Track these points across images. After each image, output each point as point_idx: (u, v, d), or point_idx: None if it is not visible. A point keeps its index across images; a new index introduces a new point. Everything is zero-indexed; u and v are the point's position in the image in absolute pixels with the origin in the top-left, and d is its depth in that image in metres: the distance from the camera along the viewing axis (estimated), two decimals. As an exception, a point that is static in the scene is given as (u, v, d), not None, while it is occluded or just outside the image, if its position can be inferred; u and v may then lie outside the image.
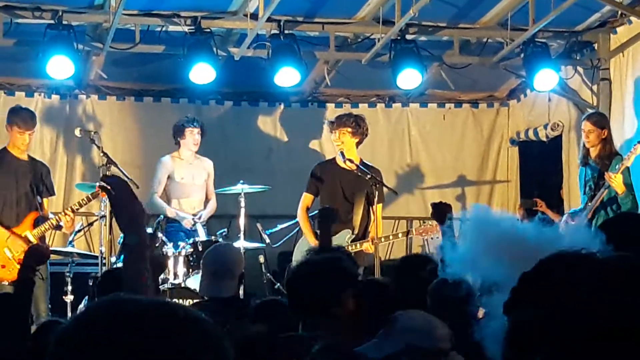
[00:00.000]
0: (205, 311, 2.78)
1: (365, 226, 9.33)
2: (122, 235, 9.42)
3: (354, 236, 9.22)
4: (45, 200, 9.27)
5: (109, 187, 3.20)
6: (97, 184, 8.88)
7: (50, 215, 9.10)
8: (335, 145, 9.53)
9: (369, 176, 9.10)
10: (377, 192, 9.05)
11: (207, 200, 10.45)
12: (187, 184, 10.31)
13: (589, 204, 8.71)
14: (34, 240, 8.82)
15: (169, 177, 10.33)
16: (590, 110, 10.20)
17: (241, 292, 7.14)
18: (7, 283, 8.66)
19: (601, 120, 9.05)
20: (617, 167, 8.58)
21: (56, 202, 10.27)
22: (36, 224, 8.98)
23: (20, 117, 9.02)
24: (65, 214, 8.95)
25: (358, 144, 9.54)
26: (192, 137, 10.27)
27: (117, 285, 6.35)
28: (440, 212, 6.59)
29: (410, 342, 3.85)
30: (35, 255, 5.66)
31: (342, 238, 9.12)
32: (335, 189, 9.41)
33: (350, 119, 9.57)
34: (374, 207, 9.12)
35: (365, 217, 9.34)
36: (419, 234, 9.52)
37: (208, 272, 6.45)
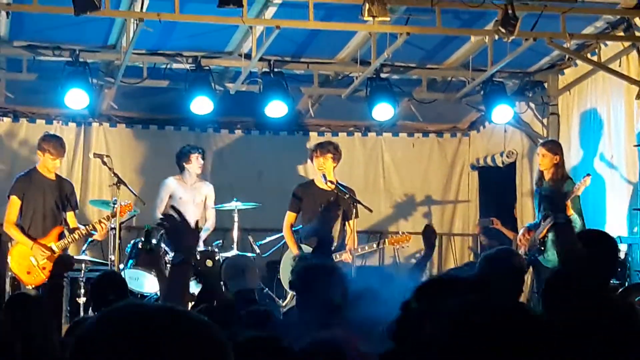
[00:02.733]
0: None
1: (343, 239, 9.24)
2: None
3: (333, 248, 9.12)
4: (69, 214, 9.15)
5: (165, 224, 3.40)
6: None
7: (80, 227, 9.01)
8: (317, 169, 9.46)
9: (347, 195, 9.09)
10: (354, 209, 9.04)
11: (206, 220, 10.40)
12: (186, 203, 10.14)
13: (543, 223, 8.63)
14: (57, 251, 8.76)
15: (170, 196, 10.25)
16: (541, 140, 10.22)
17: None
18: (31, 287, 8.65)
19: (554, 147, 8.94)
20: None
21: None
22: (60, 237, 8.93)
23: (52, 146, 8.93)
24: (100, 223, 8.89)
25: (335, 166, 9.50)
26: (197, 162, 10.21)
27: (110, 287, 6.35)
28: (430, 236, 6.40)
29: None
30: (63, 263, 5.73)
31: None
32: (315, 207, 9.13)
33: (331, 146, 9.50)
34: (351, 222, 9.10)
35: (342, 231, 9.26)
36: (391, 244, 9.48)
37: (238, 271, 6.42)
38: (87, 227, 8.96)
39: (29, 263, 8.75)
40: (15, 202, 8.93)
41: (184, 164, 10.25)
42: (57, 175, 9.17)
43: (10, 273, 8.90)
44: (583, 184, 8.40)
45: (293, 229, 9.57)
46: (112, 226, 9.22)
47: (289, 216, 9.54)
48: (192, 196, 10.32)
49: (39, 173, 9.02)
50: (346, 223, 9.22)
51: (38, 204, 8.94)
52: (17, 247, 8.83)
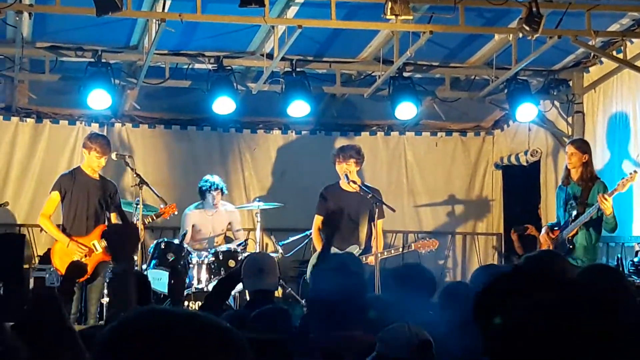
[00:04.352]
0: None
1: (369, 239, 9.12)
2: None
3: (361, 250, 9.04)
4: (113, 215, 9.08)
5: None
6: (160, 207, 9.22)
7: None
8: (340, 173, 9.34)
9: (370, 195, 9.01)
10: (377, 210, 8.96)
11: (235, 240, 10.42)
12: (204, 234, 10.27)
13: (572, 222, 8.59)
14: (99, 249, 8.76)
15: (193, 226, 10.28)
16: (566, 139, 10.17)
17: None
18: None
19: (583, 146, 8.83)
20: (604, 190, 8.46)
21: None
22: (103, 235, 8.74)
23: (99, 144, 8.91)
24: None
25: (358, 169, 9.43)
26: (212, 199, 10.20)
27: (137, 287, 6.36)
28: None
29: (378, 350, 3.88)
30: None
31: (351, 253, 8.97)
32: (341, 209, 9.13)
33: (353, 151, 9.36)
34: (375, 222, 9.00)
35: (368, 232, 9.17)
36: (418, 248, 9.38)
37: (254, 269, 6.36)
38: None
39: (71, 259, 8.68)
40: (54, 198, 8.92)
41: (202, 199, 10.32)
42: (100, 176, 9.14)
43: (52, 268, 8.88)
44: (629, 180, 8.30)
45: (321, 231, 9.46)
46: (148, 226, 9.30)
47: (317, 219, 9.44)
48: (212, 227, 10.34)
49: (83, 172, 9.01)
50: (372, 224, 9.10)
51: (82, 203, 8.92)
52: (59, 244, 8.85)
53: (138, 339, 1.61)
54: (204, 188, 10.22)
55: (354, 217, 9.19)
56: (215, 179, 10.27)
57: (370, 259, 8.86)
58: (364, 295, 4.58)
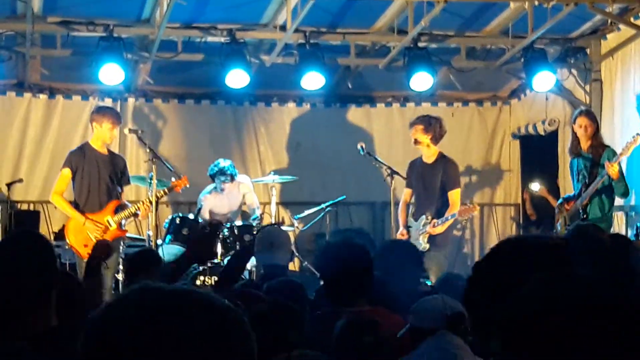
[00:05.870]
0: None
1: (442, 210, 8.98)
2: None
3: (428, 221, 8.93)
4: (125, 189, 9.06)
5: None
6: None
7: (128, 204, 8.92)
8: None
9: (385, 167, 9.25)
10: (392, 180, 9.12)
11: (255, 209, 10.42)
12: (220, 213, 10.27)
13: (584, 191, 8.59)
14: (114, 225, 8.70)
15: (210, 210, 10.29)
16: (582, 107, 10.13)
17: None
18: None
19: (594, 116, 8.92)
20: (614, 156, 8.41)
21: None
22: (116, 211, 8.79)
23: (110, 114, 8.82)
24: (144, 203, 8.80)
25: (433, 139, 9.22)
26: (221, 185, 10.20)
27: (146, 264, 6.36)
28: None
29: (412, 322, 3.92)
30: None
31: (419, 223, 9.00)
32: (417, 181, 9.20)
33: (424, 117, 9.34)
34: (451, 192, 8.98)
35: (441, 203, 9.01)
36: (460, 215, 8.98)
37: (265, 244, 6.33)
38: (134, 206, 8.87)
39: (86, 236, 8.66)
40: (66, 174, 8.81)
41: (214, 180, 10.31)
42: (109, 151, 9.01)
43: (67, 246, 8.85)
44: (633, 143, 8.27)
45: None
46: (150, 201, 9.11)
47: (405, 193, 9.45)
48: (229, 204, 10.34)
49: (92, 147, 8.85)
50: (447, 193, 9.02)
51: (93, 179, 8.79)
52: (74, 221, 8.77)
53: (130, 317, 1.57)
54: (211, 173, 10.22)
55: (429, 188, 9.11)
56: (226, 163, 10.23)
57: (430, 230, 8.85)
58: (369, 271, 4.57)
